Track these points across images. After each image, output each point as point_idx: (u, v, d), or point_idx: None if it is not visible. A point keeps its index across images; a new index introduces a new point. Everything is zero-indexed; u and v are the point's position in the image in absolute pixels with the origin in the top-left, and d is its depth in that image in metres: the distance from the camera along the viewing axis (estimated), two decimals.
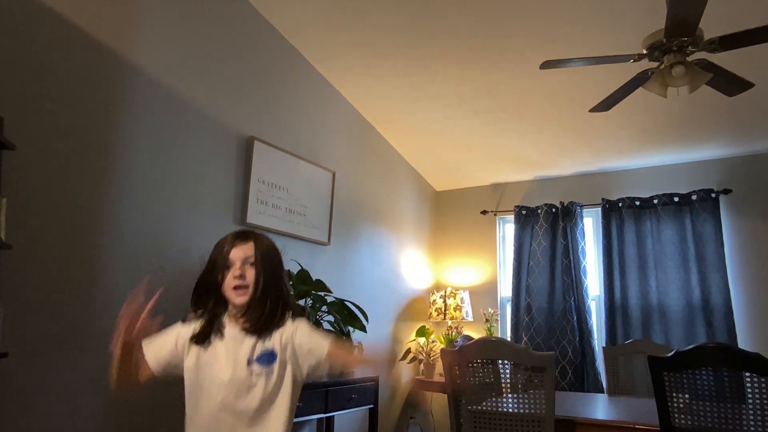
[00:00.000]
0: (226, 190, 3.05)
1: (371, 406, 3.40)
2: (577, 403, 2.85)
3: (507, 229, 5.05)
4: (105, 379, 2.36)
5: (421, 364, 4.66)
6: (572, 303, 4.36)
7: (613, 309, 4.23)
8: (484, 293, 4.88)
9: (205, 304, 1.53)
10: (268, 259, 1.52)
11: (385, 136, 4.54)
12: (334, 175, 3.85)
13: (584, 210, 4.58)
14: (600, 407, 2.78)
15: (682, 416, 1.95)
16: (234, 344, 1.48)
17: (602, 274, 4.35)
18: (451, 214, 5.24)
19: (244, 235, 1.54)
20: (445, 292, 4.66)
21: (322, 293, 3.33)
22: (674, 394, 1.97)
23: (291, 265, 3.41)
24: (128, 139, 2.55)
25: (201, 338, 1.51)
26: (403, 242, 4.72)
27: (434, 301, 4.70)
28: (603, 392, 4.01)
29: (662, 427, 1.97)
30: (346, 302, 3.34)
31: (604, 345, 4.07)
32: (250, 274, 1.48)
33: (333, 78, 3.86)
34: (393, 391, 4.45)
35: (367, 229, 4.26)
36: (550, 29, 3.08)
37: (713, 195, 4.08)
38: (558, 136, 4.18)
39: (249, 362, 1.46)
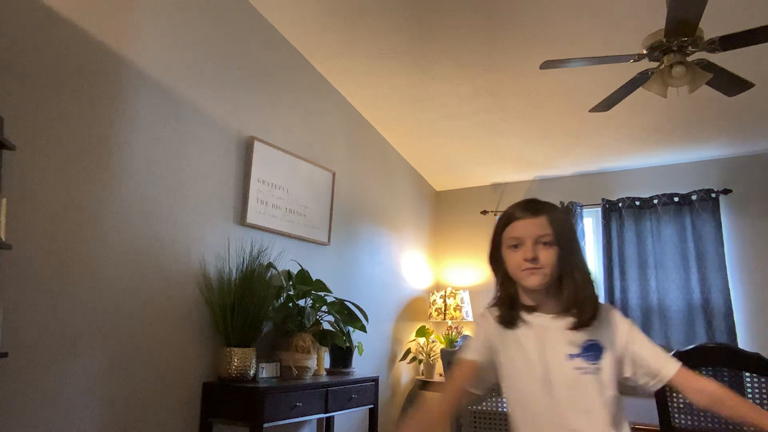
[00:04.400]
0: (226, 190, 3.05)
1: (371, 406, 3.40)
2: None
3: None
4: (105, 379, 2.37)
5: (421, 364, 4.66)
6: None
7: None
8: (484, 293, 4.88)
9: (498, 275, 1.38)
10: (566, 236, 1.30)
11: (385, 136, 4.54)
12: (334, 175, 3.85)
13: (584, 210, 4.58)
14: None
15: (682, 416, 1.95)
16: (545, 334, 1.31)
17: (602, 274, 4.35)
18: (451, 214, 5.24)
19: (533, 206, 1.35)
20: (445, 292, 4.66)
21: (322, 293, 3.34)
22: (674, 394, 1.96)
23: (291, 265, 3.41)
24: (128, 138, 2.55)
25: (508, 324, 1.35)
26: (403, 242, 4.72)
27: (434, 301, 4.70)
28: None
29: (662, 427, 1.97)
30: (346, 302, 3.35)
31: None
32: (545, 255, 1.27)
33: (333, 78, 3.86)
34: (393, 391, 4.46)
35: (367, 229, 4.26)
36: (550, 29, 3.08)
37: (713, 195, 4.08)
38: (558, 136, 4.18)
39: (570, 357, 1.28)
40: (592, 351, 1.28)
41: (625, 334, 1.30)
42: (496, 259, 1.37)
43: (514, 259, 1.30)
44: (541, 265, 1.26)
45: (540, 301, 1.32)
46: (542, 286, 1.28)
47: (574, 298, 1.27)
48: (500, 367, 1.38)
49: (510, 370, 1.36)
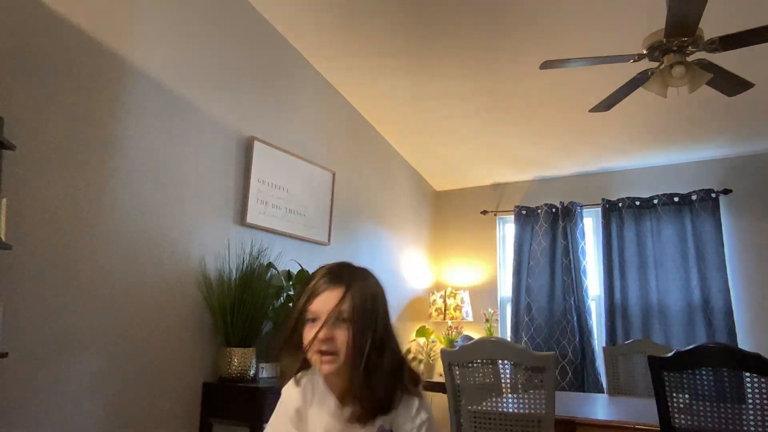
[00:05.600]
0: (226, 190, 3.05)
1: None
2: (577, 403, 2.85)
3: (507, 229, 5.05)
4: (105, 379, 2.37)
5: (422, 364, 4.65)
6: (572, 303, 4.36)
7: (613, 309, 4.23)
8: (484, 293, 4.88)
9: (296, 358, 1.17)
10: (366, 314, 1.11)
11: (385, 136, 4.54)
12: (334, 175, 3.85)
13: (584, 210, 4.58)
14: (600, 407, 2.78)
15: (682, 416, 1.95)
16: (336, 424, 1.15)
17: (602, 274, 4.35)
18: (451, 214, 5.24)
19: (336, 275, 1.14)
20: (445, 292, 4.66)
21: None
22: (674, 394, 1.96)
23: (291, 265, 3.41)
24: (128, 139, 2.55)
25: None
26: (403, 242, 4.72)
27: (434, 301, 4.70)
28: (603, 392, 4.01)
29: (662, 427, 1.97)
30: None
31: (604, 345, 4.07)
32: (341, 336, 1.09)
33: (333, 78, 3.86)
34: None
35: (367, 229, 4.26)
36: (550, 29, 3.08)
37: (713, 195, 4.08)
38: (558, 136, 4.18)
39: None
40: None
41: (414, 425, 1.13)
42: (293, 336, 1.16)
43: (308, 335, 1.11)
44: (335, 348, 1.09)
45: (334, 386, 1.16)
46: (332, 374, 1.12)
47: (359, 386, 1.09)
48: None
49: None
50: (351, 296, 1.10)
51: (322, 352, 1.09)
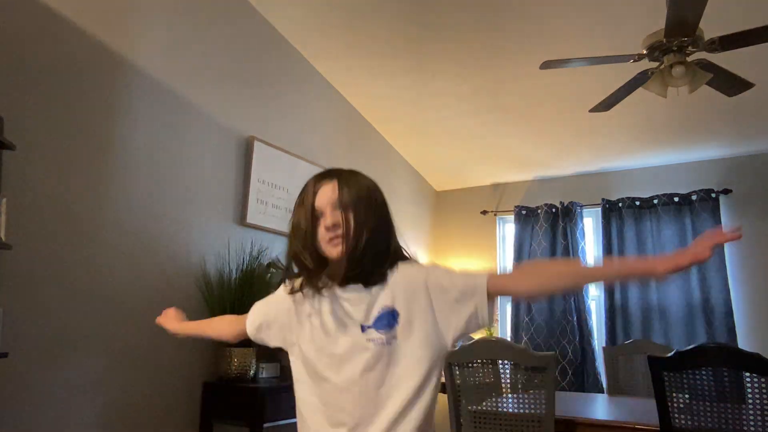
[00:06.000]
0: (226, 190, 3.05)
1: None
2: (577, 403, 2.85)
3: (507, 229, 5.05)
4: (105, 379, 2.37)
5: None
6: (572, 303, 4.36)
7: (613, 309, 4.23)
8: None
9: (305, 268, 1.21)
10: (363, 200, 1.18)
11: (385, 136, 4.54)
12: None
13: (584, 210, 4.58)
14: (600, 407, 2.78)
15: (682, 416, 1.94)
16: (342, 307, 1.18)
17: None
18: (451, 214, 5.24)
19: (325, 173, 1.23)
20: None
21: None
22: (674, 394, 1.96)
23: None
24: (128, 139, 2.55)
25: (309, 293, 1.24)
26: (403, 242, 4.71)
27: None
28: (603, 392, 4.01)
29: (662, 427, 1.97)
30: None
31: (604, 345, 4.07)
32: (344, 219, 1.16)
33: (333, 78, 3.86)
34: None
35: None
36: (550, 29, 3.08)
37: (713, 195, 4.08)
38: (558, 136, 4.18)
39: (363, 328, 1.14)
40: (386, 319, 1.14)
41: (421, 277, 1.16)
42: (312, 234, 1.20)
43: (321, 231, 1.18)
44: (342, 232, 1.15)
45: (337, 274, 1.19)
46: (342, 255, 1.15)
47: (360, 256, 1.14)
48: (292, 345, 1.29)
49: (305, 346, 1.23)
50: (345, 184, 1.18)
51: (331, 239, 1.15)
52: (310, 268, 1.19)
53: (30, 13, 2.20)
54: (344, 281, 1.17)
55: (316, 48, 3.56)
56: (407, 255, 1.26)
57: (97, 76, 2.45)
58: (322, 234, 1.17)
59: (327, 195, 1.18)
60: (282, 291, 1.32)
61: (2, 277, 2.03)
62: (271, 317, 1.40)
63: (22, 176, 2.13)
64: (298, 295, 1.25)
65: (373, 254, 1.16)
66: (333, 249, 1.15)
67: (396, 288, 1.16)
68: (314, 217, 1.18)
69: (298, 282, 1.24)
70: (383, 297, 1.15)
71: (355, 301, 1.17)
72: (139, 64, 2.63)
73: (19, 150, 2.05)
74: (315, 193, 1.20)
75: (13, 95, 2.12)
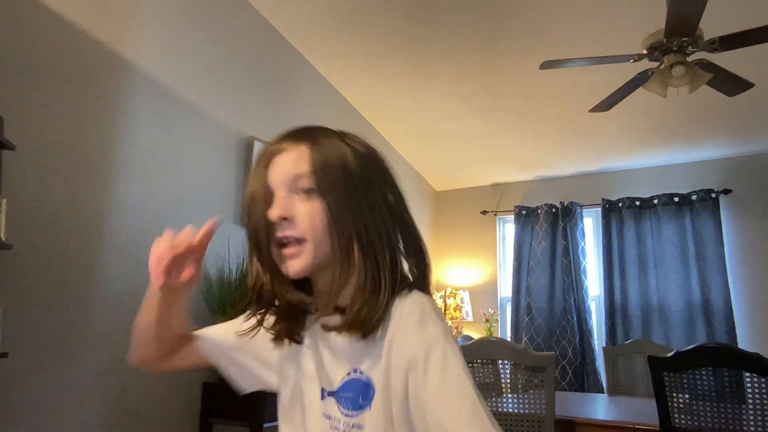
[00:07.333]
0: (226, 190, 3.05)
1: None
2: (577, 403, 2.85)
3: (507, 229, 5.05)
4: (105, 379, 2.37)
5: None
6: (572, 303, 4.36)
7: (613, 309, 4.23)
8: (484, 293, 4.88)
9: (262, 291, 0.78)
10: (338, 177, 0.74)
11: (385, 136, 4.54)
12: None
13: (584, 210, 4.58)
14: (600, 407, 2.78)
15: (682, 416, 1.94)
16: (320, 355, 0.80)
17: (602, 274, 4.35)
18: (451, 214, 5.24)
19: (294, 132, 0.84)
20: (445, 292, 4.66)
21: None
22: (674, 394, 1.96)
23: None
24: (128, 138, 2.55)
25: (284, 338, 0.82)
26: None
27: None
28: (603, 392, 4.01)
29: (662, 427, 1.97)
30: None
31: (604, 345, 4.08)
32: (302, 211, 0.73)
33: (333, 78, 3.86)
34: None
35: None
36: (550, 29, 3.08)
37: (713, 195, 4.09)
38: (558, 136, 4.18)
39: (323, 394, 0.77)
40: (353, 390, 0.73)
41: (412, 351, 0.67)
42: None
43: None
44: (298, 232, 0.72)
45: (324, 305, 0.76)
46: (308, 272, 0.74)
47: (339, 285, 0.72)
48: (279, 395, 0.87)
49: (283, 402, 0.85)
50: (315, 153, 0.75)
51: (281, 244, 0.73)
52: (280, 306, 0.77)
53: (30, 13, 2.20)
54: (325, 311, 0.75)
55: (316, 48, 3.56)
56: (409, 277, 0.78)
57: (97, 76, 2.45)
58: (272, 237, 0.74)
59: (282, 169, 0.75)
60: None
61: (2, 277, 2.03)
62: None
63: (22, 176, 2.13)
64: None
65: (371, 282, 0.72)
66: (285, 264, 0.74)
67: (386, 343, 0.71)
68: (267, 206, 0.74)
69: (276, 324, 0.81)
70: (363, 352, 0.73)
71: (341, 353, 0.76)
72: (139, 64, 2.63)
73: (19, 150, 2.05)
74: (267, 166, 0.77)
75: (13, 95, 2.12)
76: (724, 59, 2.50)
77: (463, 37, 3.24)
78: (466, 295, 4.68)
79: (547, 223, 4.58)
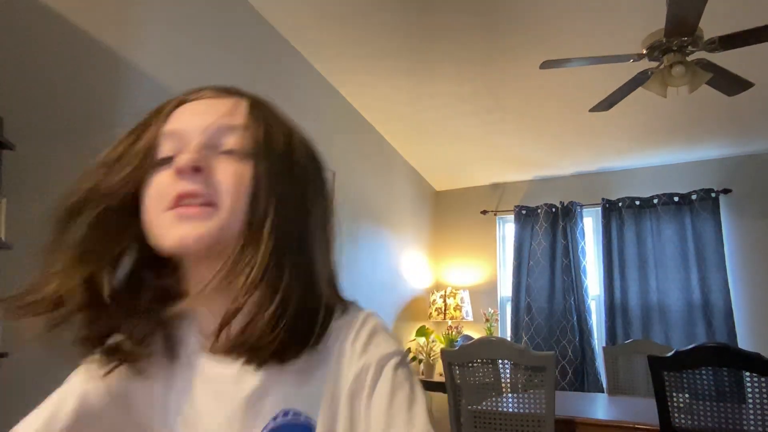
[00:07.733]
0: None
1: None
2: (577, 403, 2.85)
3: (507, 229, 5.06)
4: None
5: (422, 364, 4.66)
6: (572, 303, 4.36)
7: (613, 309, 4.24)
8: (484, 293, 4.88)
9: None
10: (285, 152, 0.62)
11: (385, 136, 4.54)
12: (334, 175, 3.84)
13: (584, 210, 4.59)
14: (600, 407, 2.78)
15: (682, 416, 1.95)
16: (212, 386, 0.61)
17: (602, 274, 4.35)
18: (451, 214, 5.24)
19: (223, 87, 0.69)
20: (445, 292, 4.66)
21: None
22: (674, 394, 1.97)
23: None
24: None
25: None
26: (403, 242, 4.72)
27: (434, 300, 4.70)
28: (603, 392, 4.02)
29: (662, 427, 1.97)
30: None
31: (604, 345, 4.08)
32: (225, 171, 0.56)
33: (333, 78, 3.86)
34: None
35: (367, 229, 4.26)
36: (550, 29, 3.08)
37: (713, 195, 4.09)
38: (558, 136, 4.18)
39: None
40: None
41: (354, 376, 0.56)
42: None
43: (157, 187, 0.57)
44: (211, 193, 0.55)
45: (202, 290, 0.55)
46: (205, 246, 0.54)
47: (245, 293, 0.53)
48: None
49: None
50: (256, 110, 0.64)
51: (181, 201, 0.54)
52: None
53: (30, 13, 2.20)
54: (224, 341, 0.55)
55: (315, 48, 3.56)
56: (341, 296, 0.66)
57: (98, 77, 2.45)
58: (161, 192, 0.56)
59: (203, 116, 0.61)
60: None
61: (2, 277, 2.03)
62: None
63: (22, 176, 2.13)
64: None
65: (284, 300, 0.53)
66: (179, 227, 0.54)
67: (327, 370, 0.56)
68: (150, 155, 0.58)
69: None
70: (294, 383, 0.56)
71: (229, 382, 0.57)
72: (139, 64, 2.63)
73: (19, 150, 2.05)
74: (170, 113, 0.62)
75: (13, 95, 2.12)
76: (724, 59, 2.50)
77: (463, 37, 3.24)
78: (466, 295, 4.68)
79: (547, 222, 4.58)
